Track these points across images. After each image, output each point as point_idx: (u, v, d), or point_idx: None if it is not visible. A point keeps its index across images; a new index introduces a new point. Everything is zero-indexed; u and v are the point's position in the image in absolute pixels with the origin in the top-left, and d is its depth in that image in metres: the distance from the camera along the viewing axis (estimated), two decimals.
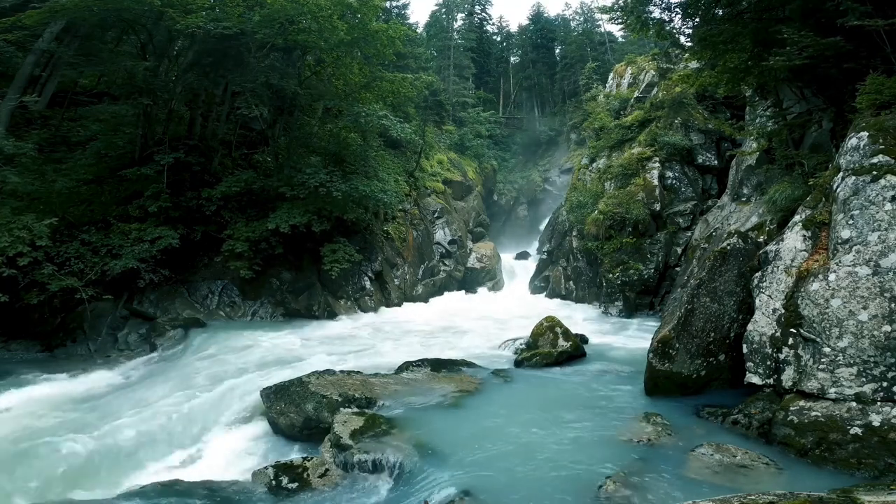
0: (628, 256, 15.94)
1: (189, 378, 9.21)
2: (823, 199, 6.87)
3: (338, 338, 12.57)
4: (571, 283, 19.35)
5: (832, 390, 5.68)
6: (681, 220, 16.36)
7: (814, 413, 5.66)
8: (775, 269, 6.71)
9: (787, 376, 6.09)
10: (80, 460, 6.52)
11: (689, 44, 12.21)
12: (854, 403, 5.50)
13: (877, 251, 5.69)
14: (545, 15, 48.94)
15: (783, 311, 6.33)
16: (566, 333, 10.32)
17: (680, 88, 17.56)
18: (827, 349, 5.78)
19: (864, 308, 5.62)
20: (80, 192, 12.48)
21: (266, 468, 5.89)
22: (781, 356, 6.19)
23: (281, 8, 12.93)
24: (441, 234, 22.69)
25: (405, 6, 38.67)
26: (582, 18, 46.61)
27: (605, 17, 16.03)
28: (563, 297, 19.36)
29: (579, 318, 15.34)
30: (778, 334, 6.30)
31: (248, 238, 13.62)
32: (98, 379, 9.75)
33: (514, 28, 53.15)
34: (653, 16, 11.72)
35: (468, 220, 26.33)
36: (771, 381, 6.31)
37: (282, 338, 11.99)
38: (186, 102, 15.47)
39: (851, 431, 5.33)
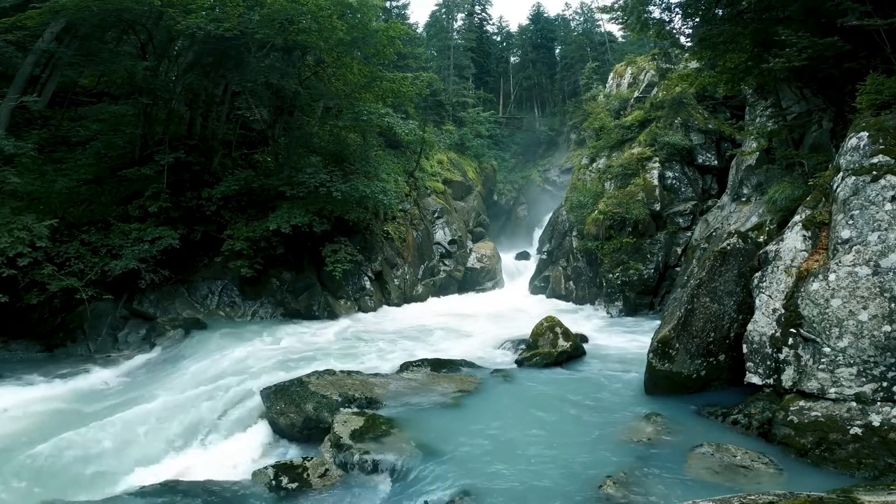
0: (628, 256, 15.93)
1: (189, 378, 9.21)
2: (823, 199, 6.87)
3: (338, 338, 12.56)
4: (571, 283, 19.34)
5: (832, 390, 5.68)
6: (681, 220, 16.34)
7: (814, 413, 5.66)
8: (775, 269, 6.72)
9: (787, 376, 6.09)
10: (79, 460, 6.51)
11: (689, 44, 12.21)
12: (854, 403, 5.51)
13: (877, 251, 5.69)
14: (545, 15, 48.92)
15: (783, 311, 6.33)
16: (566, 333, 10.32)
17: (680, 88, 17.54)
18: (827, 349, 5.79)
19: (864, 308, 5.63)
20: (80, 192, 12.47)
21: (266, 468, 5.89)
22: (781, 356, 6.20)
23: (281, 8, 12.92)
24: (441, 234, 22.68)
25: (405, 6, 38.67)
26: (582, 18, 46.64)
27: (605, 16, 16.05)
28: (563, 297, 19.35)
29: (579, 317, 15.35)
30: (778, 334, 6.30)
31: (249, 238, 13.62)
32: (98, 379, 9.75)
33: (514, 28, 53.19)
34: (653, 16, 11.73)
35: (468, 220, 26.31)
36: (771, 381, 6.31)
37: (282, 338, 11.99)
38: (186, 102, 15.47)
39: (851, 431, 5.33)
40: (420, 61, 30.45)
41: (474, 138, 32.18)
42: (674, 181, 16.94)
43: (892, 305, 5.48)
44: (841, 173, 6.48)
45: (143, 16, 12.76)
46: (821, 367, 5.80)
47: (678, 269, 15.47)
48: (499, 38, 51.31)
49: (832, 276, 5.92)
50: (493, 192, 32.89)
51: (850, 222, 5.99)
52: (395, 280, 18.48)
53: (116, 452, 6.73)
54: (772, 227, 9.33)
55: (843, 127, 8.62)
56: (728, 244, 7.84)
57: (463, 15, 44.54)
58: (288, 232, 13.55)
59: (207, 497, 5.51)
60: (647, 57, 22.84)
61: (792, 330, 6.14)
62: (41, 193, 11.52)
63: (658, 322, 10.14)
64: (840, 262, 5.93)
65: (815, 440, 5.48)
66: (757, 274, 6.96)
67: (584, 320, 14.88)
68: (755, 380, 6.46)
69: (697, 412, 6.82)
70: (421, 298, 19.49)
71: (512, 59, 50.79)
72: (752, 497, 3.61)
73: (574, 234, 19.31)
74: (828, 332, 5.82)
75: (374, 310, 16.36)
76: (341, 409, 7.11)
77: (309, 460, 5.97)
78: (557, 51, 47.65)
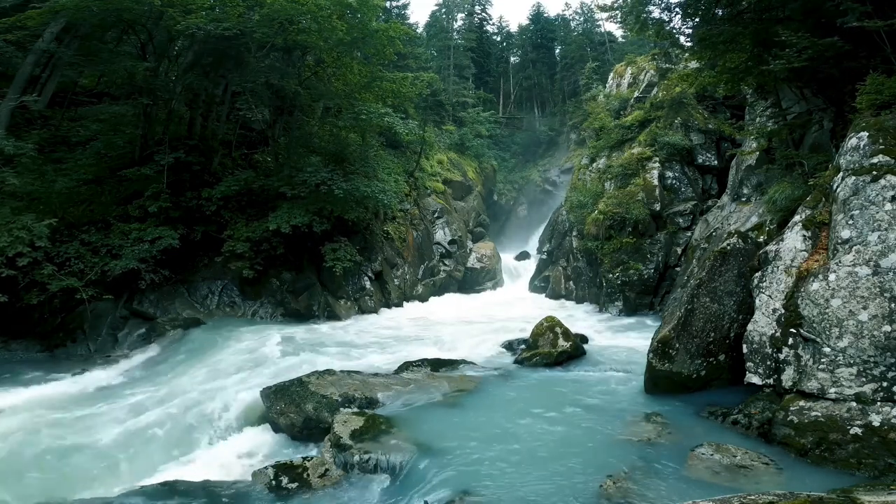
0: (628, 256, 15.93)
1: (189, 378, 9.21)
2: (823, 199, 6.87)
3: (338, 338, 12.56)
4: (571, 283, 19.35)
5: (832, 390, 5.68)
6: (681, 220, 16.34)
7: (814, 413, 5.66)
8: (775, 269, 6.72)
9: (787, 376, 6.09)
10: (79, 460, 6.52)
11: (689, 44, 12.21)
12: (854, 403, 5.51)
13: (877, 251, 5.69)
14: (545, 15, 48.93)
15: (783, 311, 6.33)
16: (566, 333, 10.32)
17: (680, 88, 17.53)
18: (827, 349, 5.79)
19: (864, 308, 5.62)
20: (80, 192, 12.47)
21: (266, 468, 5.89)
22: (781, 356, 6.19)
23: (281, 8, 12.92)
24: (441, 234, 22.68)
25: (405, 6, 38.68)
26: (582, 18, 46.64)
27: (605, 16, 16.07)
28: (563, 297, 19.36)
29: (579, 318, 15.35)
30: (778, 334, 6.30)
31: (249, 238, 13.62)
32: (98, 379, 9.74)
33: (514, 28, 53.14)
34: (652, 16, 11.73)
35: (468, 220, 26.31)
36: (771, 381, 6.31)
37: (282, 337, 11.98)
38: (186, 102, 15.47)
39: (851, 431, 5.33)
40: (420, 61, 30.45)
41: (474, 138, 32.18)
42: (674, 181, 16.94)
43: (892, 305, 5.48)
44: (841, 173, 6.48)
45: (143, 16, 12.77)
46: (821, 367, 5.80)
47: (678, 269, 15.47)
48: (499, 38, 51.32)
49: (832, 276, 5.92)
50: (493, 192, 32.89)
51: (850, 222, 5.99)
52: (395, 280, 18.48)
53: (116, 452, 6.73)
54: (772, 227, 9.33)
55: (843, 127, 8.62)
56: (728, 244, 7.84)
57: (463, 15, 44.57)
58: (288, 232, 13.55)
59: (207, 497, 5.51)
60: (647, 57, 22.83)
61: (792, 330, 6.14)
62: (41, 193, 11.52)
63: (658, 322, 10.15)
64: (840, 262, 5.93)
65: (815, 440, 5.48)
66: (757, 274, 6.96)
67: (585, 320, 14.88)
68: (755, 380, 6.46)
69: (697, 412, 6.82)
70: (421, 298, 19.49)
71: (512, 59, 50.79)
72: (752, 497, 3.61)
73: (574, 234, 19.32)
74: (828, 332, 5.82)
75: (375, 310, 16.36)
76: (341, 409, 7.11)
77: (309, 460, 5.97)
78: (557, 51, 47.66)
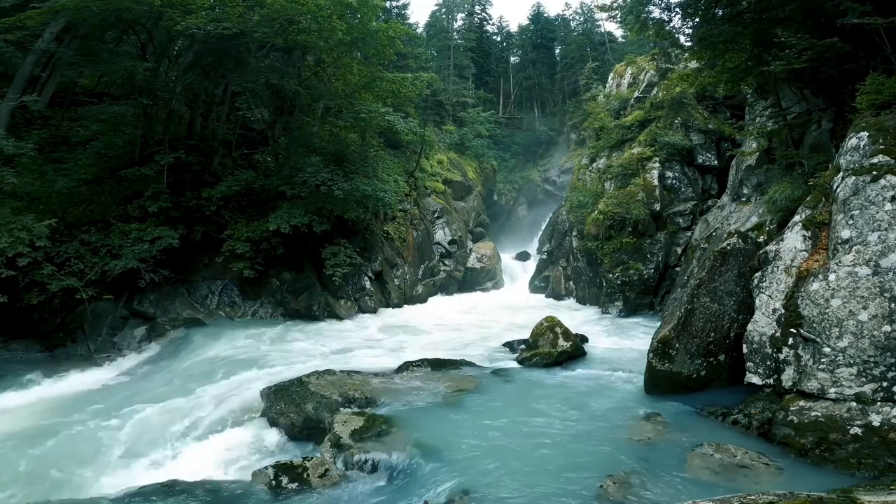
0: (628, 256, 15.93)
1: (189, 378, 9.21)
2: (823, 199, 6.87)
3: (337, 338, 12.56)
4: (571, 283, 19.35)
5: (832, 390, 5.68)
6: (681, 220, 16.35)
7: (814, 413, 5.66)
8: (775, 269, 6.72)
9: (787, 376, 6.09)
10: (79, 460, 6.52)
11: (689, 44, 12.21)
12: (854, 403, 5.50)
13: (877, 251, 5.69)
14: (545, 15, 48.93)
15: (783, 311, 6.33)
16: (566, 333, 10.32)
17: (680, 88, 17.53)
18: (827, 349, 5.78)
19: (864, 308, 5.62)
20: (80, 192, 12.47)
21: (266, 468, 5.88)
22: (781, 356, 6.19)
23: (281, 8, 12.92)
24: (441, 234, 22.68)
25: (405, 6, 38.67)
26: (582, 18, 46.62)
27: (605, 16, 16.07)
28: (563, 297, 19.37)
29: (579, 317, 15.35)
30: (778, 334, 6.30)
31: (249, 238, 13.63)
32: (98, 379, 9.76)
33: (514, 28, 53.13)
34: (652, 15, 11.73)
35: (468, 220, 26.31)
36: (771, 381, 6.31)
37: (281, 338, 11.99)
38: (186, 102, 15.47)
39: (851, 431, 5.33)
40: (420, 61, 30.44)
41: (474, 138, 32.18)
42: (674, 181, 16.94)
43: (892, 305, 5.48)
44: (841, 173, 6.48)
45: (143, 16, 12.77)
46: (821, 367, 5.80)
47: (678, 269, 15.47)
48: (499, 38, 51.31)
49: (832, 276, 5.92)
50: (493, 192, 32.89)
51: (850, 222, 5.99)
52: (395, 280, 18.47)
53: (116, 453, 6.73)
54: (772, 227, 9.33)
55: (843, 127, 8.62)
56: (728, 244, 7.84)
57: (463, 15, 44.57)
58: (288, 232, 13.55)
59: (207, 497, 5.51)
60: (647, 57, 22.84)
61: (792, 330, 6.14)
62: (41, 193, 11.53)
63: (658, 322, 10.15)
64: (840, 262, 5.93)
65: (815, 440, 5.48)
66: (757, 274, 6.96)
67: (584, 320, 14.88)
68: (755, 380, 6.46)
69: (697, 412, 6.82)
70: (421, 298, 19.49)
71: (512, 59, 50.78)
72: (752, 497, 3.61)
73: (574, 234, 19.32)
74: (828, 332, 5.82)
75: (375, 310, 16.36)
76: (341, 408, 7.11)
77: (309, 460, 5.96)
78: (557, 51, 47.65)
